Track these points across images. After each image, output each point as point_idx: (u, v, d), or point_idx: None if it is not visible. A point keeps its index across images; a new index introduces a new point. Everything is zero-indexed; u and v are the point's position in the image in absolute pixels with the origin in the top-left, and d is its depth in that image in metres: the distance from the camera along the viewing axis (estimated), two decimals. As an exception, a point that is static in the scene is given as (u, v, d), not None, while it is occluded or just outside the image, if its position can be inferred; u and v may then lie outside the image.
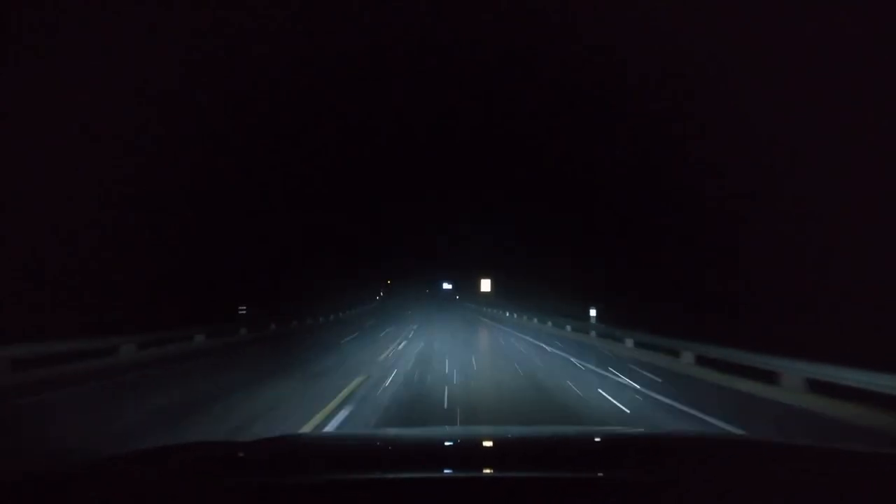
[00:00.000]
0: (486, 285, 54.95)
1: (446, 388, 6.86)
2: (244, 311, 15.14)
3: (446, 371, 8.50)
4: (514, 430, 2.41)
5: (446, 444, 1.66)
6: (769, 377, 7.15)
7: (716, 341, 8.83)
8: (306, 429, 4.74)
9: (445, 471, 1.21)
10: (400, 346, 12.46)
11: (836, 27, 10.70)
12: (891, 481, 1.09)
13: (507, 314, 28.27)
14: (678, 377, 8.35)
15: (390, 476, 1.11)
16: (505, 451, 1.54)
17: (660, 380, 7.89)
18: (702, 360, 9.08)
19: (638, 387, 7.24)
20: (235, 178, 22.01)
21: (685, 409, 5.87)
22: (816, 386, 6.45)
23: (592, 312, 15.82)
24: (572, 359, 10.35)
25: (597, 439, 1.74)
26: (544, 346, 13.15)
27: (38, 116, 12.12)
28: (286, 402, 5.90)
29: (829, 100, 11.73)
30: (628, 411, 5.68)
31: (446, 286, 74.29)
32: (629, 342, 12.21)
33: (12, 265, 11.42)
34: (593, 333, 15.03)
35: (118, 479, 1.08)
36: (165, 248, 16.90)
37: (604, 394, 6.62)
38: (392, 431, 3.10)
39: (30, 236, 12.14)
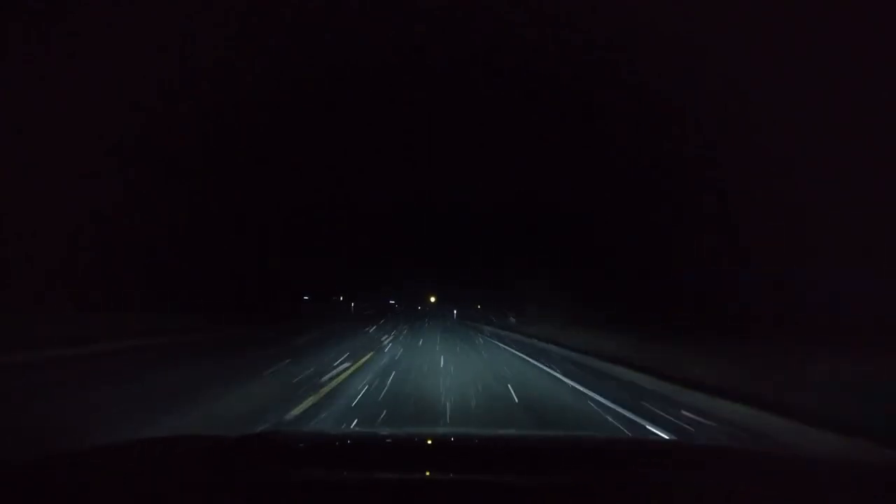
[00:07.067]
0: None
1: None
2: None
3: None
4: (500, 434, 2.44)
5: (430, 444, 1.67)
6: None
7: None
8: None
9: (430, 473, 1.22)
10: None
11: (836, 26, 10.70)
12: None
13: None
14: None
15: (373, 477, 1.11)
16: (482, 454, 1.53)
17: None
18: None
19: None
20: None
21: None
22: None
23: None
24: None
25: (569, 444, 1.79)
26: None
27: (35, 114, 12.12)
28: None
29: (830, 99, 11.69)
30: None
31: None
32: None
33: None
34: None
35: (103, 469, 1.08)
36: (176, 258, 17.04)
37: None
38: (381, 430, 3.16)
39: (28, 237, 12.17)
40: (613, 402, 5.80)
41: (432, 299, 69.30)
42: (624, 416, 5.13)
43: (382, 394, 5.99)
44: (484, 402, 5.71)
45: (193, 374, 7.53)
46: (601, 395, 6.27)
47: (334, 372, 7.54)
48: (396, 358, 10.13)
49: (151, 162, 15.74)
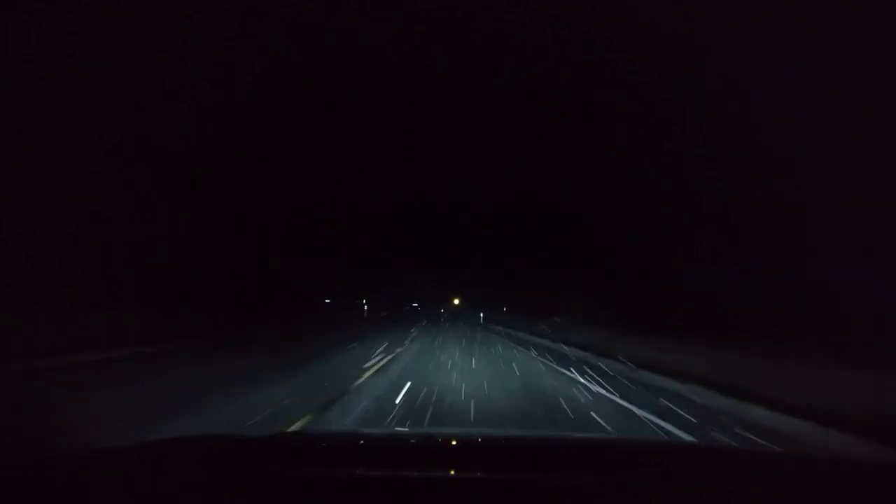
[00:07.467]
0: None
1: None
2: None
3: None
4: (499, 433, 2.45)
5: (428, 445, 1.67)
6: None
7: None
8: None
9: (428, 472, 1.22)
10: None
11: (838, 25, 10.68)
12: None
13: None
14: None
15: (372, 476, 1.11)
16: (482, 453, 1.53)
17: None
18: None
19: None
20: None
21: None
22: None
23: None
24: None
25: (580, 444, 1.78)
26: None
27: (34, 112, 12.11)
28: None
29: (830, 99, 11.65)
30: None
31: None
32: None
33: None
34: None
35: (104, 469, 1.08)
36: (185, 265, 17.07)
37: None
38: (379, 431, 3.17)
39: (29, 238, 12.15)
40: None
41: (455, 301, 54.92)
42: None
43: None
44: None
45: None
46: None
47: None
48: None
49: (151, 162, 15.73)
